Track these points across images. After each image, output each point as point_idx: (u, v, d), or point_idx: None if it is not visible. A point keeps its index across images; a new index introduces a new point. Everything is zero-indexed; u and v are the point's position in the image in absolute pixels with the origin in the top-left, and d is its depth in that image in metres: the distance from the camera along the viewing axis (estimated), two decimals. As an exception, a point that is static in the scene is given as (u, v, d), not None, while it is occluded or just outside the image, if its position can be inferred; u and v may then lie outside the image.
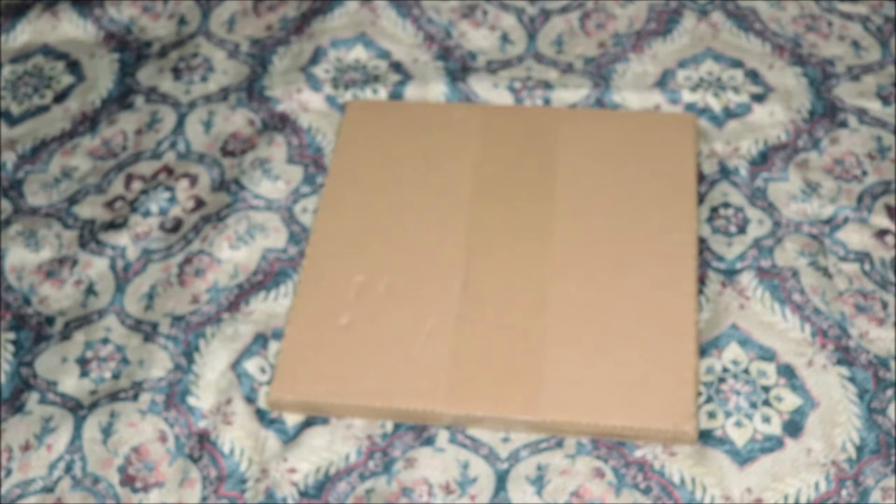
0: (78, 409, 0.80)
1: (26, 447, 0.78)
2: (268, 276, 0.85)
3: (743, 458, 0.74)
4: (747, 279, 0.82)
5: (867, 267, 0.83)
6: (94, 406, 0.80)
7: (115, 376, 0.81)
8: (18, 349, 0.84)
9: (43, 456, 0.77)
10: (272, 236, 0.88)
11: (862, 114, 0.93)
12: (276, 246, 0.87)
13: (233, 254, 0.87)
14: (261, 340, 0.82)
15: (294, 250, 0.87)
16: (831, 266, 0.83)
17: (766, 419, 0.76)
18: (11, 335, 0.85)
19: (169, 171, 0.93)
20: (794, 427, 0.75)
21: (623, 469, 0.74)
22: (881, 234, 0.85)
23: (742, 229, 0.86)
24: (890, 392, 0.76)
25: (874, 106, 0.93)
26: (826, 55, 0.97)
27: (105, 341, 0.83)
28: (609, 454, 0.75)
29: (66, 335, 0.84)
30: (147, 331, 0.83)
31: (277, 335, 0.82)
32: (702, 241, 0.85)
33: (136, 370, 0.81)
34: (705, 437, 0.75)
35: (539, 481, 0.75)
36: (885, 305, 0.81)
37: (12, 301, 0.86)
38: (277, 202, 0.90)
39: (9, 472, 0.77)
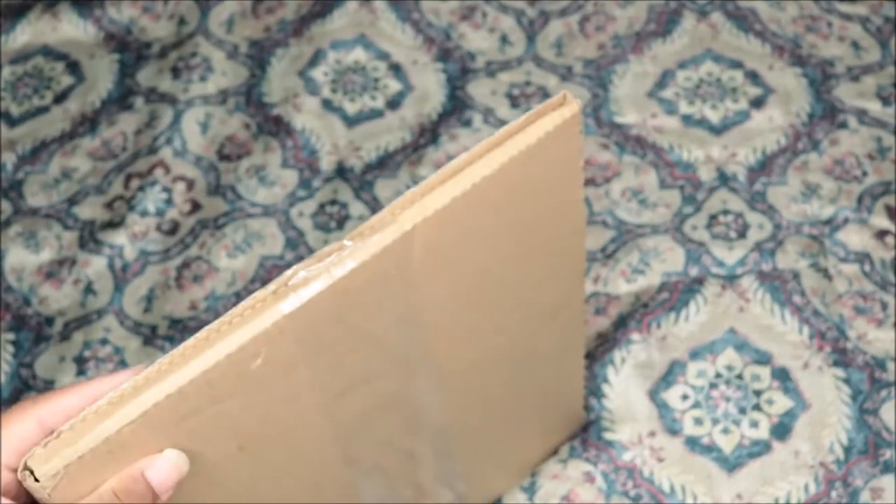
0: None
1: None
2: (265, 285, 0.85)
3: (731, 464, 0.74)
4: (748, 282, 0.82)
5: (867, 268, 0.83)
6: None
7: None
8: (18, 350, 0.84)
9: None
10: (269, 243, 0.88)
11: (862, 114, 0.93)
12: (272, 253, 0.87)
13: (230, 262, 0.87)
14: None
15: (291, 255, 0.87)
16: (831, 267, 0.83)
17: (755, 424, 0.76)
18: (11, 336, 0.85)
19: (165, 167, 0.93)
20: (782, 430, 0.75)
21: (612, 475, 0.74)
22: (881, 234, 0.85)
23: (742, 234, 0.86)
24: (885, 393, 0.76)
25: (874, 106, 0.93)
26: (826, 56, 0.97)
27: (104, 342, 0.83)
28: (598, 457, 0.75)
29: (65, 335, 0.84)
30: (146, 334, 0.84)
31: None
32: (700, 246, 0.85)
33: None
34: (692, 443, 0.75)
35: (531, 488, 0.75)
36: (884, 306, 0.80)
37: (12, 302, 0.87)
38: (273, 207, 0.90)
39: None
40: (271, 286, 0.44)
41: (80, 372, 0.82)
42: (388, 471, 0.60)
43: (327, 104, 0.97)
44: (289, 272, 0.44)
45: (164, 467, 0.42)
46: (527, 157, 0.49)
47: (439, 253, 0.49)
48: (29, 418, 0.42)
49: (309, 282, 0.44)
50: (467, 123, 0.95)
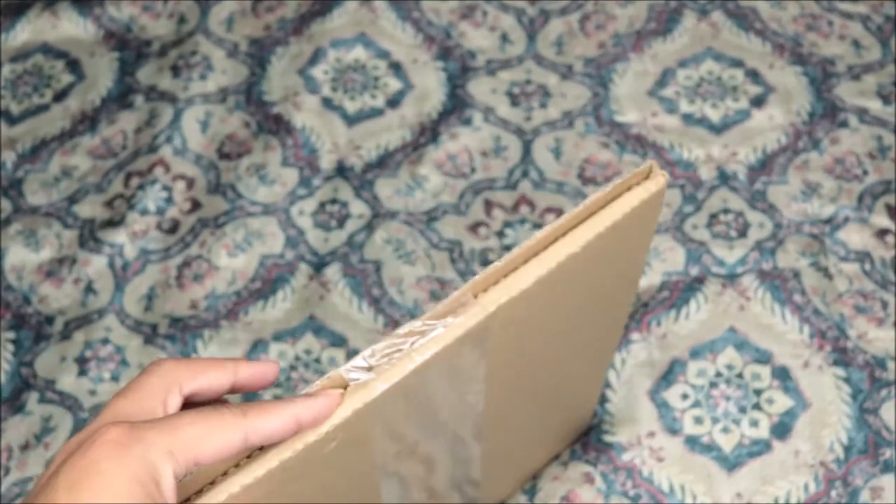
0: (77, 409, 0.80)
1: (26, 447, 0.78)
2: (266, 283, 0.86)
3: (731, 463, 0.74)
4: (748, 281, 0.82)
5: (867, 267, 0.83)
6: (96, 409, 0.80)
7: (115, 378, 0.81)
8: (18, 349, 0.84)
9: (40, 454, 0.78)
10: (269, 242, 0.88)
11: (862, 113, 0.92)
12: (273, 251, 0.87)
13: (231, 261, 0.87)
14: (261, 346, 0.82)
15: (291, 254, 0.87)
16: (832, 266, 0.83)
17: (755, 423, 0.76)
18: (11, 335, 0.85)
19: (165, 165, 0.93)
20: (782, 429, 0.75)
21: (612, 475, 0.74)
22: (881, 233, 0.85)
23: (743, 233, 0.85)
24: (885, 392, 0.76)
25: (874, 105, 0.93)
26: (826, 54, 0.97)
27: (105, 341, 0.83)
28: (597, 457, 0.75)
29: (65, 335, 0.84)
30: (147, 333, 0.84)
31: (277, 338, 0.82)
32: (701, 245, 0.85)
33: (135, 373, 0.81)
34: (692, 443, 0.75)
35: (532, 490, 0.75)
36: (884, 305, 0.80)
37: (12, 301, 0.87)
38: (274, 205, 0.90)
39: (7, 471, 0.77)
40: (355, 372, 0.42)
41: (82, 372, 0.82)
42: (405, 476, 0.61)
43: (327, 103, 0.97)
44: (367, 352, 0.42)
45: None
46: (611, 232, 0.48)
47: (516, 328, 0.48)
48: (173, 385, 0.42)
49: (391, 371, 0.42)
50: (467, 122, 0.95)
